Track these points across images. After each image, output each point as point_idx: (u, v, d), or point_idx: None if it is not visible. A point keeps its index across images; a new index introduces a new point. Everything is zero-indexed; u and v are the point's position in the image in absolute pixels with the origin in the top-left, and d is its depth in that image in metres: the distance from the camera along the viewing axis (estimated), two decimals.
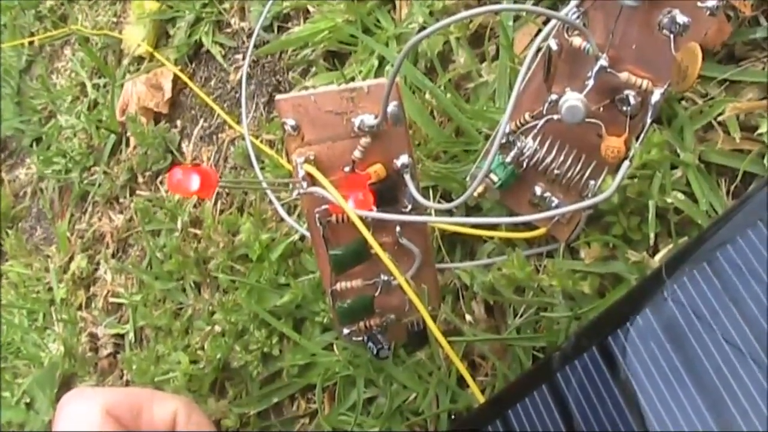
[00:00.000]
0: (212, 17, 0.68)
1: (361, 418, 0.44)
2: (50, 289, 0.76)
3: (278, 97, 0.36)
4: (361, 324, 0.42)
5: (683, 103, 0.38)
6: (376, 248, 0.36)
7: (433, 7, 0.49)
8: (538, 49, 0.37)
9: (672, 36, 0.34)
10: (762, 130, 0.35)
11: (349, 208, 0.35)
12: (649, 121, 0.36)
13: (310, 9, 0.59)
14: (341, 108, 0.35)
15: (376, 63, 0.52)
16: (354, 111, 0.35)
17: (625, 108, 0.36)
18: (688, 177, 0.36)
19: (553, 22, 0.36)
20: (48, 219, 0.82)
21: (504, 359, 0.40)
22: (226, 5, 0.67)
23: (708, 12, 0.34)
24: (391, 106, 0.35)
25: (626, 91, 0.36)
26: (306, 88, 0.56)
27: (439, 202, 0.45)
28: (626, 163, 0.35)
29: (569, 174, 0.38)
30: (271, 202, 0.53)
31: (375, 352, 0.43)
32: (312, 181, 0.36)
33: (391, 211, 0.37)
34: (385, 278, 0.40)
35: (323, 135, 0.36)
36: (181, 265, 0.59)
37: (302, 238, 0.52)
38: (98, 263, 0.72)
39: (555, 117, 0.37)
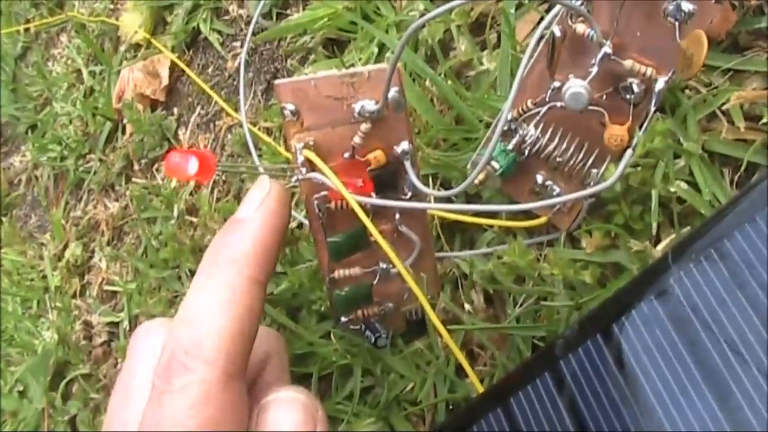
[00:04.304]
0: (210, 4, 0.68)
1: (358, 408, 0.44)
2: (44, 277, 0.75)
3: (277, 81, 0.35)
4: (359, 312, 0.42)
5: (687, 92, 0.37)
6: (376, 235, 0.36)
7: None
8: (542, 36, 0.36)
9: (677, 24, 0.34)
10: (766, 119, 0.34)
11: (349, 194, 0.35)
12: (652, 109, 0.35)
13: None
14: (341, 93, 0.35)
15: (375, 50, 0.52)
16: (354, 96, 0.35)
17: (628, 96, 0.36)
18: (692, 166, 0.36)
19: (557, 8, 0.36)
20: (43, 206, 0.81)
21: (503, 349, 0.40)
22: None
23: (714, 0, 0.33)
24: (392, 92, 0.34)
25: (630, 79, 0.35)
26: (305, 75, 0.55)
27: (438, 190, 0.45)
28: (629, 151, 0.35)
29: (571, 162, 0.38)
30: None
31: (373, 340, 0.42)
32: (311, 167, 0.36)
33: (391, 198, 0.37)
34: (384, 266, 0.40)
35: (323, 120, 0.36)
36: (177, 253, 0.59)
37: (299, 226, 0.51)
38: (93, 251, 0.72)
39: (558, 104, 0.37)
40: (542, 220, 0.40)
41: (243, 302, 0.33)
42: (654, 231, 0.36)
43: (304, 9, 0.58)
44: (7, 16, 0.97)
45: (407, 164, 0.36)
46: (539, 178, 0.39)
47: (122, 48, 0.77)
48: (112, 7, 0.81)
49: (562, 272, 0.37)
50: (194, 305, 0.33)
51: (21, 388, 0.70)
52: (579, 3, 0.35)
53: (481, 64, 0.46)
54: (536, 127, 0.38)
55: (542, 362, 0.30)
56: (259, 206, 0.35)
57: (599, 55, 0.35)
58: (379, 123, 0.35)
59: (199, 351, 0.31)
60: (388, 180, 0.37)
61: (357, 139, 0.36)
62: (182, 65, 0.68)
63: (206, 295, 0.33)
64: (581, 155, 0.38)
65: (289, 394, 0.35)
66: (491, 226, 0.42)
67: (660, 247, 0.36)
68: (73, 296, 0.71)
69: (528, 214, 0.40)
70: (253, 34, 0.60)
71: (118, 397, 0.36)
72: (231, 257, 0.34)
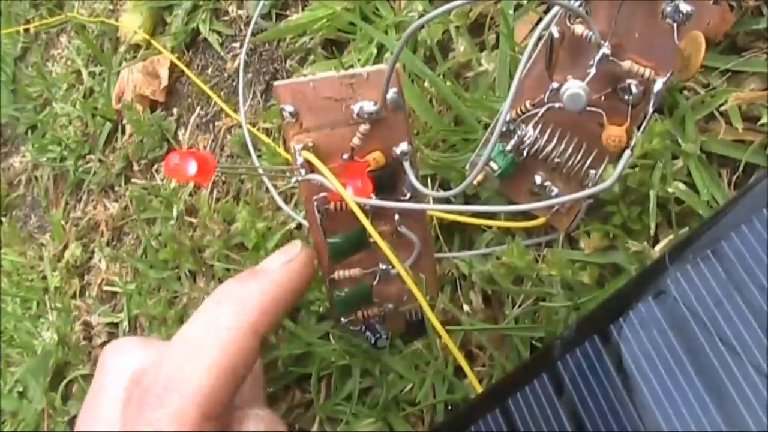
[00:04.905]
0: (210, 5, 0.68)
1: (357, 408, 0.44)
2: (44, 278, 0.75)
3: (277, 83, 0.35)
4: (359, 313, 0.42)
5: (685, 92, 0.37)
6: (375, 236, 0.36)
7: None
8: (540, 37, 0.36)
9: (675, 25, 0.34)
10: (764, 120, 0.35)
11: (348, 195, 0.35)
12: (650, 110, 0.35)
13: None
14: (340, 94, 0.35)
15: (374, 51, 0.52)
16: (353, 97, 0.35)
17: (626, 97, 0.36)
18: (690, 167, 0.36)
19: (555, 9, 0.36)
20: (42, 207, 0.81)
21: (502, 350, 0.40)
22: None
23: (712, 1, 0.33)
24: (391, 93, 0.34)
25: (628, 80, 0.35)
26: (304, 76, 0.55)
27: (437, 191, 0.45)
28: (627, 152, 0.35)
29: (570, 163, 0.38)
30: (267, 190, 0.53)
31: (373, 341, 0.42)
32: (310, 168, 0.36)
33: (390, 199, 0.37)
34: (384, 267, 0.40)
35: (322, 122, 0.36)
36: (177, 253, 0.59)
37: (299, 226, 0.51)
38: (93, 251, 0.72)
39: (556, 105, 0.37)
40: (541, 220, 0.40)
41: (238, 348, 0.33)
42: (652, 232, 0.36)
43: (303, 10, 0.58)
44: (7, 16, 0.97)
45: (406, 165, 0.36)
46: (538, 179, 0.39)
47: (122, 49, 0.77)
48: (111, 7, 0.81)
49: (561, 273, 0.37)
50: (189, 338, 0.33)
51: (21, 389, 0.70)
52: (577, 4, 0.35)
53: (480, 65, 0.46)
54: (535, 127, 0.38)
55: (540, 363, 0.30)
56: (284, 264, 0.36)
57: (597, 56, 0.35)
58: (378, 124, 0.35)
59: (179, 386, 0.31)
60: (387, 181, 0.37)
61: (356, 140, 0.36)
62: (182, 66, 0.68)
63: (204, 332, 0.33)
64: (580, 156, 0.38)
65: (252, 411, 0.36)
66: (490, 227, 0.42)
67: (658, 247, 0.36)
68: (73, 297, 0.71)
69: (526, 215, 0.40)
70: (253, 34, 0.60)
71: (85, 416, 0.36)
72: (240, 301, 0.34)
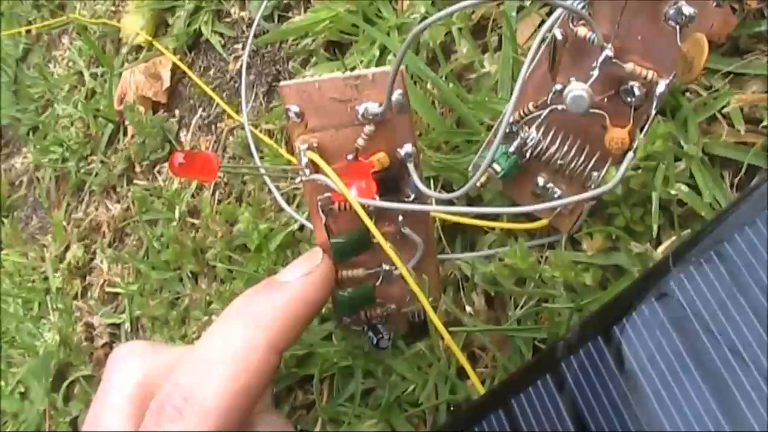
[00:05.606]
0: (212, 6, 0.68)
1: (359, 410, 0.44)
2: (46, 279, 0.75)
3: (282, 83, 0.36)
4: (362, 313, 0.42)
5: (687, 95, 0.38)
6: (378, 237, 0.36)
7: None
8: (543, 39, 0.37)
9: (678, 27, 0.34)
10: (766, 122, 0.35)
11: (352, 196, 0.35)
12: (653, 112, 0.35)
13: None
14: (345, 95, 0.35)
15: (377, 53, 0.52)
16: (358, 98, 0.35)
17: (629, 99, 0.36)
18: (692, 169, 0.36)
19: (558, 11, 0.36)
20: (44, 208, 0.82)
21: (504, 351, 0.40)
22: None
23: (714, 3, 0.34)
24: (396, 94, 0.34)
25: (631, 82, 0.36)
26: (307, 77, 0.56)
27: (440, 192, 0.45)
28: (630, 154, 0.35)
29: (572, 165, 0.38)
30: (270, 191, 0.53)
31: (375, 342, 0.42)
32: (315, 168, 0.36)
33: (394, 200, 0.37)
34: (387, 268, 0.40)
35: (327, 122, 0.36)
36: (179, 254, 0.59)
37: (301, 228, 0.51)
38: (94, 253, 0.72)
39: (559, 107, 0.37)
40: (543, 222, 0.40)
41: (258, 365, 0.32)
42: (655, 233, 0.36)
43: (305, 11, 0.59)
44: (9, 17, 0.97)
45: (410, 166, 0.36)
46: (540, 181, 0.40)
47: (124, 50, 0.77)
48: (113, 9, 0.81)
49: (563, 274, 0.37)
50: (206, 351, 0.33)
51: (22, 390, 0.71)
52: (580, 6, 0.35)
53: (483, 66, 0.46)
54: (537, 129, 0.39)
55: (543, 364, 0.30)
56: (304, 276, 0.35)
57: (600, 58, 0.35)
58: (382, 125, 0.35)
59: (197, 402, 0.31)
60: (391, 182, 0.37)
61: (360, 141, 0.36)
62: (184, 67, 0.68)
63: (220, 346, 0.33)
64: (582, 158, 0.38)
65: (261, 413, 0.36)
66: (493, 229, 0.42)
67: (661, 249, 0.36)
68: (75, 298, 0.71)
69: (529, 217, 0.41)
70: (255, 36, 0.60)
71: (91, 418, 0.36)
72: (257, 316, 0.34)
